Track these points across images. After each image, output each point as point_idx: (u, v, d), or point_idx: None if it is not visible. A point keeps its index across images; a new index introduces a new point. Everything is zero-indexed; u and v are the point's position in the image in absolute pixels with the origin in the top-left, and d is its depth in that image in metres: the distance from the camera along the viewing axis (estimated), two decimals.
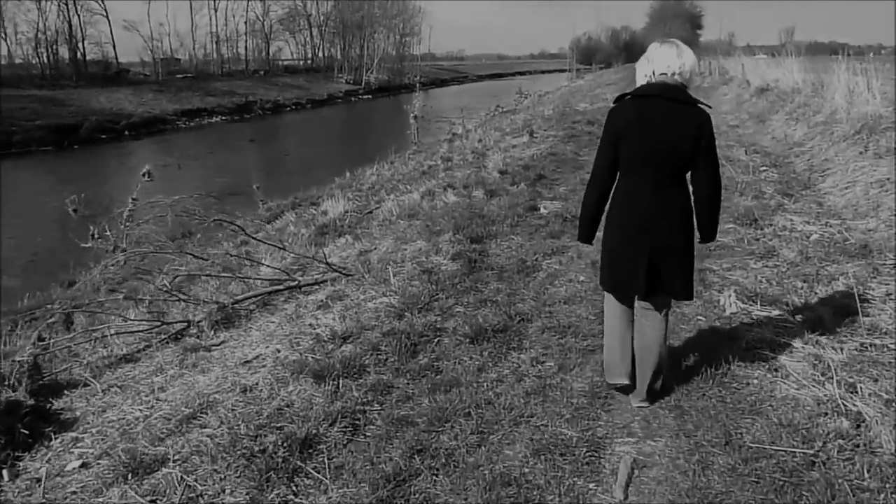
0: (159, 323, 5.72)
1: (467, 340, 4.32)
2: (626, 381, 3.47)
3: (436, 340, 4.44)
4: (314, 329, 4.89)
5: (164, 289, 5.79)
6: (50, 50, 51.05)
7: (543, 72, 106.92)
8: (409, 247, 6.88)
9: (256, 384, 4.07)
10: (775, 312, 4.44)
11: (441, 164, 14.96)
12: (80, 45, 52.41)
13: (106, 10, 54.10)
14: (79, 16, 52.39)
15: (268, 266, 6.77)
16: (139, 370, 4.99)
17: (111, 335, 5.59)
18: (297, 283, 6.31)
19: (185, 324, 5.71)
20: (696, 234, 3.34)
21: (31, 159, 29.93)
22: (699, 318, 4.50)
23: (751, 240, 6.09)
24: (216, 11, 64.46)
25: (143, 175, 14.17)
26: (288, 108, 54.69)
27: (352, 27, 75.87)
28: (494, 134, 18.74)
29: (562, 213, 7.33)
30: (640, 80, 3.25)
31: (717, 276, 5.25)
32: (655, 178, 3.12)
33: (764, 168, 9.20)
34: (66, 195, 14.62)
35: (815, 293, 4.70)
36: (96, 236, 7.60)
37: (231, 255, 7.15)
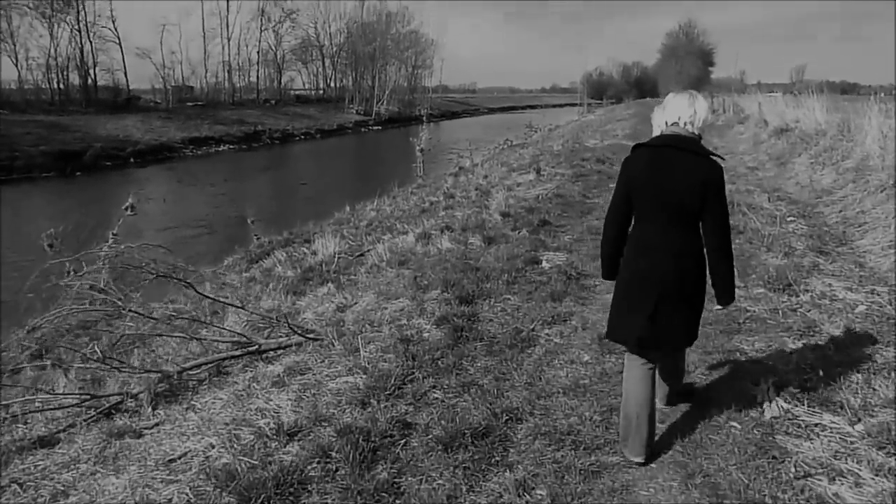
0: (89, 396, 4.87)
1: (440, 447, 3.44)
2: (643, 459, 3.32)
3: (402, 443, 3.56)
4: (260, 418, 4.03)
5: (95, 356, 4.93)
6: (61, 76, 51.18)
7: (554, 106, 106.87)
8: (391, 305, 6.04)
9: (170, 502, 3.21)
10: (828, 417, 3.54)
11: (443, 201, 14.24)
12: (90, 71, 52.54)
13: (119, 38, 54.48)
14: (91, 42, 52.76)
15: (225, 328, 5.92)
16: (52, 460, 4.14)
17: (30, 412, 4.75)
18: (257, 347, 5.47)
19: (120, 397, 4.87)
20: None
21: (30, 185, 29.40)
22: (731, 424, 3.60)
23: (786, 310, 5.20)
24: (229, 41, 64.81)
25: (126, 209, 13.42)
26: (297, 138, 54.53)
27: (364, 58, 76.12)
28: (501, 170, 18.02)
29: (565, 269, 6.47)
30: (656, 130, 3.32)
31: (750, 360, 4.37)
32: (666, 225, 3.17)
33: (791, 218, 8.33)
34: (54, 224, 13.97)
35: (875, 389, 3.80)
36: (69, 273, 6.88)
37: (182, 317, 6.28)
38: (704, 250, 3.21)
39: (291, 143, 52.33)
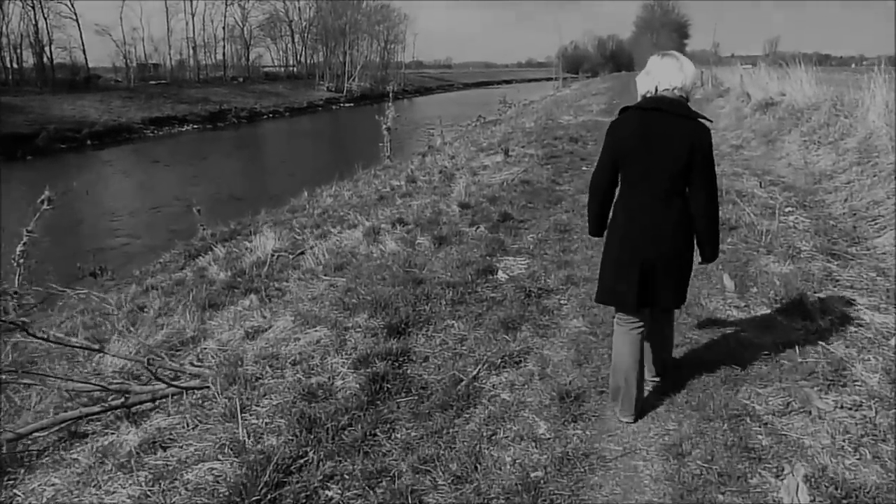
0: None
1: None
2: (632, 419, 3.37)
3: None
4: None
5: None
6: (13, 54, 48.65)
7: (530, 80, 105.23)
8: (306, 335, 4.80)
9: None
10: None
11: (404, 186, 13.03)
12: (46, 49, 49.98)
13: (76, 14, 51.97)
14: (45, 19, 50.14)
15: (87, 378, 4.67)
16: None
17: None
18: (123, 400, 4.22)
19: None
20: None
21: None
22: None
23: (802, 342, 4.04)
24: (193, 16, 62.47)
25: (43, 202, 11.98)
26: (264, 117, 52.87)
27: (334, 34, 73.94)
28: (469, 149, 16.81)
29: (525, 284, 5.26)
30: (642, 94, 3.24)
31: (766, 428, 3.19)
32: (654, 190, 3.13)
33: (790, 209, 7.18)
34: None
35: None
36: None
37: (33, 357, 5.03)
38: (691, 212, 3.16)
39: (259, 122, 50.60)
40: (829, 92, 11.87)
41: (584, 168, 11.08)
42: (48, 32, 50.14)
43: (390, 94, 24.60)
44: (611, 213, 3.34)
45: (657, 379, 3.61)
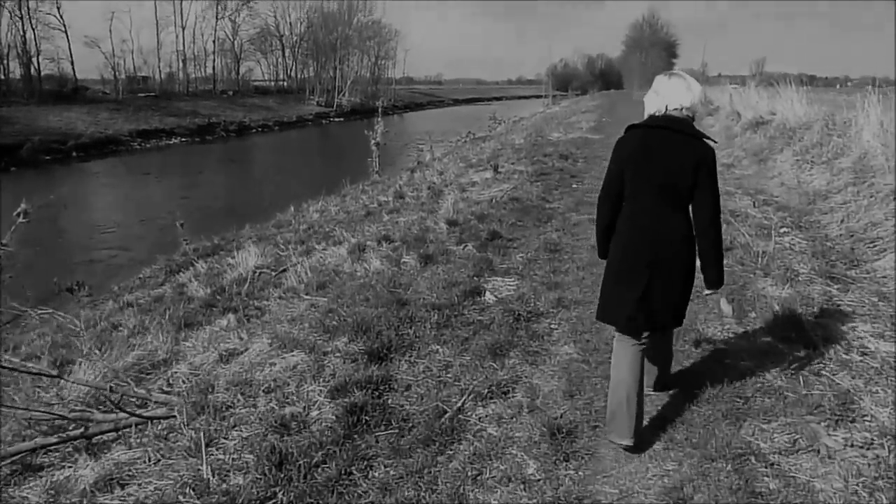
0: None
1: None
2: (631, 443, 3.18)
3: None
4: None
5: None
6: (0, 65, 48.21)
7: (520, 97, 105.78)
8: (282, 360, 4.54)
9: None
10: None
11: (391, 202, 12.85)
12: (34, 60, 49.62)
13: (64, 25, 51.60)
14: (34, 29, 49.79)
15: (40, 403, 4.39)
16: None
17: None
18: (83, 430, 3.94)
19: None
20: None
21: None
22: None
23: (807, 373, 3.83)
24: (183, 29, 62.18)
25: (18, 214, 11.65)
26: (254, 131, 52.63)
27: (325, 49, 73.94)
28: (458, 165, 16.63)
29: (514, 307, 5.02)
30: (650, 113, 3.22)
31: (773, 469, 2.95)
32: (658, 205, 3.13)
33: (785, 230, 7.01)
34: None
35: None
36: None
37: None
38: (694, 232, 3.17)
39: (248, 136, 50.30)
40: (821, 111, 11.77)
41: (574, 185, 10.89)
42: (36, 43, 49.86)
43: (379, 110, 24.47)
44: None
45: (654, 393, 3.60)
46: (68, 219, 19.80)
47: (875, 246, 6.00)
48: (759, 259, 5.95)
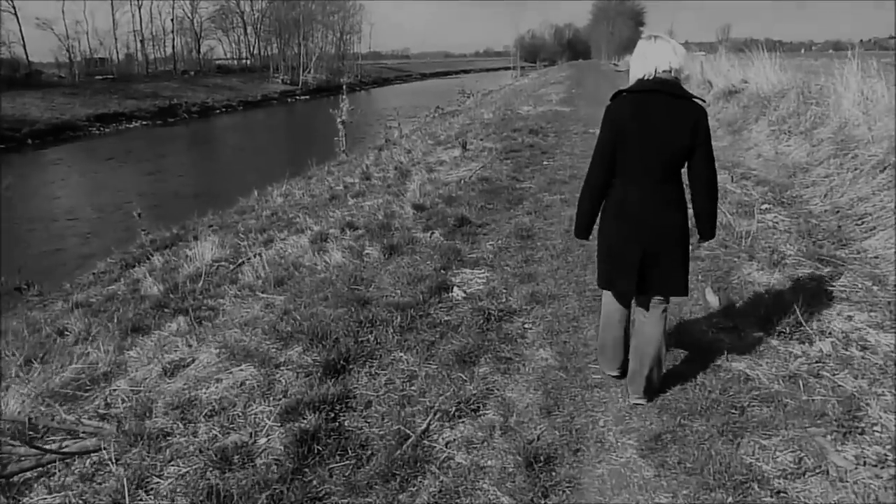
0: None
1: None
2: (618, 373, 3.57)
3: None
4: None
5: None
6: None
7: (488, 70, 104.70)
8: (230, 376, 4.10)
9: None
10: None
11: (358, 184, 12.37)
12: None
13: (14, 7, 49.49)
14: None
15: None
16: None
17: None
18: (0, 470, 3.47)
19: None
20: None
21: None
22: None
23: (805, 374, 3.48)
24: (140, 8, 60.25)
25: None
26: (217, 111, 51.42)
27: (288, 25, 72.33)
28: (426, 143, 16.17)
29: (485, 305, 4.61)
30: (633, 79, 3.16)
31: (780, 498, 2.59)
32: (652, 173, 3.09)
33: (766, 206, 6.68)
34: None
35: None
36: None
37: None
38: (687, 195, 3.17)
39: (211, 117, 49.09)
40: (796, 78, 11.46)
41: (545, 163, 10.49)
42: None
43: (344, 87, 23.80)
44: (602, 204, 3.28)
45: (642, 401, 3.39)
46: (23, 209, 18.98)
47: (863, 223, 5.68)
48: (743, 240, 5.61)
